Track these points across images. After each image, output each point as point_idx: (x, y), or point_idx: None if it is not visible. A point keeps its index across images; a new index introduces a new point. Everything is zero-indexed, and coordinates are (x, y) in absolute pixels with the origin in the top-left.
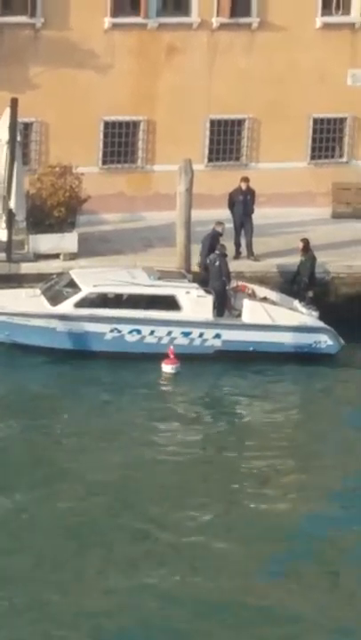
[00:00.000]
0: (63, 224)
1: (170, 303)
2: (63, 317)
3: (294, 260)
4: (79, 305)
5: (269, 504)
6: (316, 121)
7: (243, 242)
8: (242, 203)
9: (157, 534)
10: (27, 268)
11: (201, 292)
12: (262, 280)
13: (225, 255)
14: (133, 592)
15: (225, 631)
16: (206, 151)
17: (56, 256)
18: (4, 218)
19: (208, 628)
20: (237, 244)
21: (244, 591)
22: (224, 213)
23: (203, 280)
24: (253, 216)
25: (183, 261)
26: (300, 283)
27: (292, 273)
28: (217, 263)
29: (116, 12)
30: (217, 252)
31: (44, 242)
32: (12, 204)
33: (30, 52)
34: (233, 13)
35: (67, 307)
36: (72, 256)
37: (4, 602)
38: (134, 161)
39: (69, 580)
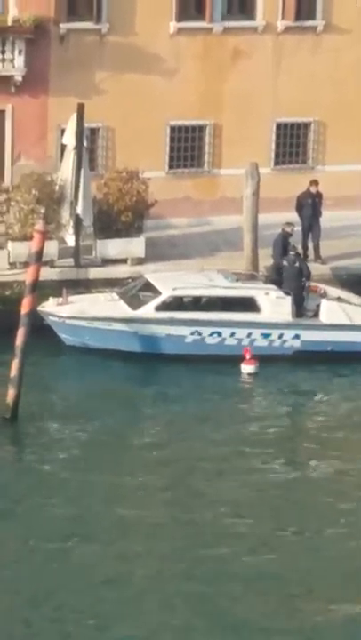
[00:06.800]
0: (130, 229)
1: (249, 305)
2: (145, 321)
3: None
4: (160, 308)
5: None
6: None
7: (310, 244)
8: (311, 206)
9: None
10: (95, 273)
11: (280, 293)
12: (329, 282)
13: (300, 255)
14: None
15: None
16: (273, 155)
17: (124, 261)
18: (71, 223)
19: None
20: (305, 247)
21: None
22: (291, 217)
23: (273, 282)
24: (321, 219)
25: (250, 265)
26: None
27: None
28: (297, 264)
29: (181, 16)
30: (292, 253)
31: (112, 247)
32: (79, 210)
33: (96, 58)
34: (298, 16)
35: (148, 310)
36: (139, 261)
37: None
38: (201, 165)
39: None
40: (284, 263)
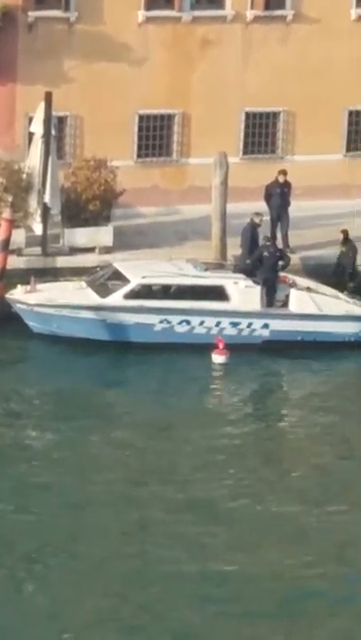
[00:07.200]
0: (98, 218)
1: (218, 294)
2: (113, 309)
3: (330, 252)
4: (128, 296)
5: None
6: (351, 113)
7: (278, 234)
8: (279, 195)
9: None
10: (62, 261)
11: (249, 282)
12: (298, 272)
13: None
14: None
15: None
16: (241, 144)
17: (91, 250)
18: (39, 212)
19: None
20: (273, 237)
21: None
22: (260, 206)
23: (241, 271)
24: (289, 208)
25: (219, 254)
26: (343, 274)
27: (333, 264)
28: (278, 253)
29: (149, 5)
30: (268, 243)
31: (80, 235)
32: (46, 198)
33: (64, 46)
34: (267, 6)
35: (116, 298)
36: (107, 249)
37: None
38: (169, 154)
39: None
40: (265, 253)
